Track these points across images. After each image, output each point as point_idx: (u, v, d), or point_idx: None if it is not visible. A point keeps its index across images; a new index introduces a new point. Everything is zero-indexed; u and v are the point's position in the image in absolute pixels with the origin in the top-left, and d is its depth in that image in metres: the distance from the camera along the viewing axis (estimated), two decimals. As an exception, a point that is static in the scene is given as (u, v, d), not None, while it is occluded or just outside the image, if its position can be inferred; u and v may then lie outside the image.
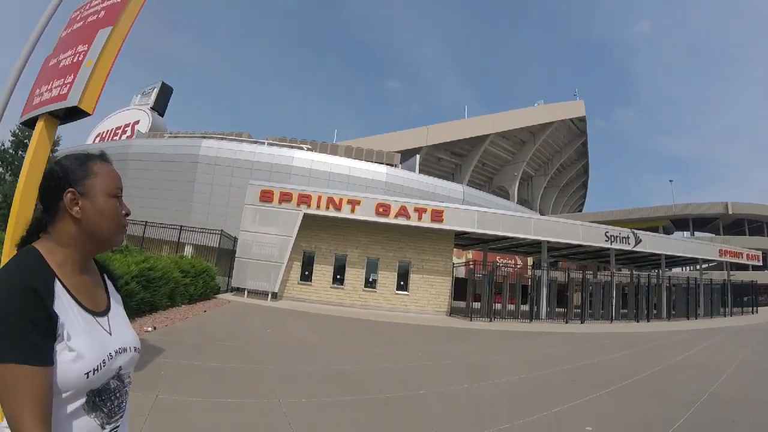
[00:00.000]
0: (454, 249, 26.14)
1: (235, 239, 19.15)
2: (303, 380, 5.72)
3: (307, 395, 4.95)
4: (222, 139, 30.63)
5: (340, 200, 17.33)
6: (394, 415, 4.56)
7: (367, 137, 40.69)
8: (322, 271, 18.30)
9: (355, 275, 18.18)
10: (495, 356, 9.43)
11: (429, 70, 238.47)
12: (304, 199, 17.55)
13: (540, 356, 9.59)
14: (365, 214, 17.21)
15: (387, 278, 18.17)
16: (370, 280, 18.26)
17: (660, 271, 25.77)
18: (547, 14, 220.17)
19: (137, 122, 44.85)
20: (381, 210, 17.12)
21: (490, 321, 16.95)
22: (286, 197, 17.77)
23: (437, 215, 17.19)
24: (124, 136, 43.63)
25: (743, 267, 33.27)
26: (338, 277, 18.32)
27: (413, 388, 5.65)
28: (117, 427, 0.99)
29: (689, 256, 25.27)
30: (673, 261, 28.95)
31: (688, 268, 33.02)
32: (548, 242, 19.58)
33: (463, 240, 21.54)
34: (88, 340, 0.92)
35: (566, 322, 18.50)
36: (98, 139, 47.49)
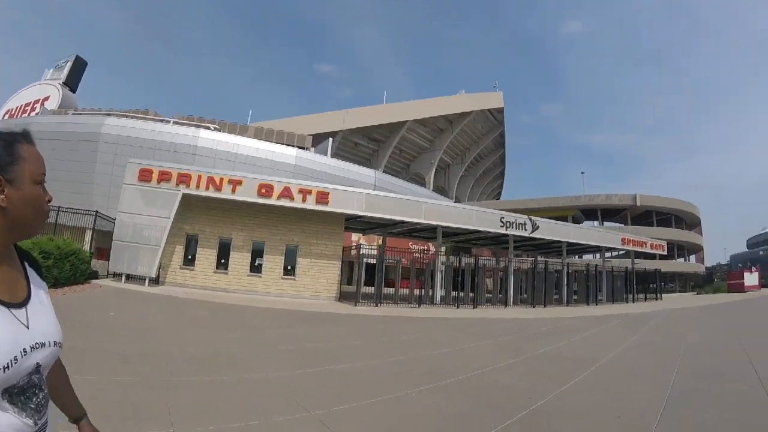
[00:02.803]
0: (363, 235, 25.98)
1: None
2: (100, 358, 5.50)
3: (92, 372, 4.73)
4: (126, 116, 28.71)
5: (221, 180, 16.46)
6: (158, 397, 4.27)
7: (282, 119, 39.54)
8: (206, 255, 17.41)
9: (239, 259, 17.41)
10: (346, 341, 8.99)
11: (363, 56, 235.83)
12: (183, 179, 16.54)
13: (397, 343, 9.24)
14: (247, 194, 16.44)
15: (273, 262, 17.53)
16: (256, 264, 17.56)
17: (562, 258, 26.62)
18: (484, 10, 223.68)
19: (47, 98, 41.59)
20: (263, 191, 16.40)
21: (376, 306, 16.74)
22: (165, 176, 16.68)
23: (323, 197, 16.68)
24: (33, 113, 40.44)
25: (651, 256, 35.22)
26: (222, 261, 17.50)
27: (216, 373, 5.36)
28: (46, 420, 0.97)
29: (591, 243, 26.22)
30: (580, 249, 30.10)
31: (596, 256, 34.41)
32: (444, 227, 19.59)
33: (360, 224, 21.23)
34: (1, 335, 0.85)
35: (457, 308, 18.63)
36: (7, 115, 43.87)
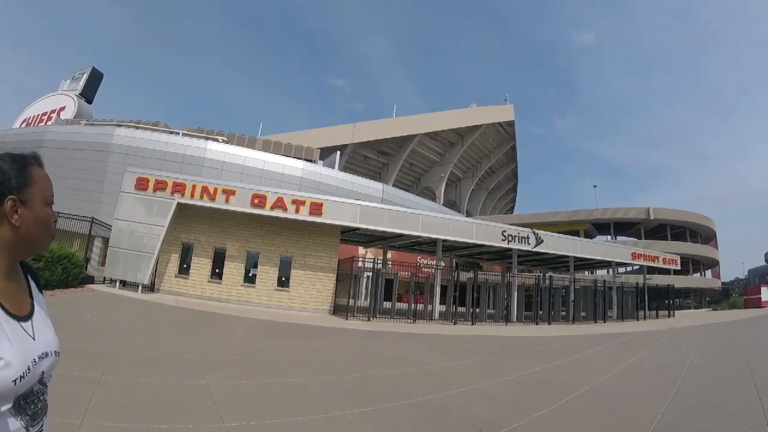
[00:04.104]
0: (367, 248, 25.66)
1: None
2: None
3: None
4: (136, 128, 29.20)
5: (215, 190, 16.43)
6: (81, 391, 4.17)
7: (291, 132, 39.72)
8: (200, 265, 17.32)
9: (234, 269, 17.27)
10: (315, 356, 8.59)
11: (374, 70, 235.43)
12: (178, 188, 16.57)
13: (370, 359, 8.82)
14: (240, 204, 16.36)
15: (267, 273, 17.32)
16: (250, 275, 17.39)
17: (570, 273, 25.83)
18: (493, 22, 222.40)
19: (63, 108, 42.62)
20: (256, 201, 16.30)
21: (369, 320, 16.34)
22: (160, 185, 16.75)
23: (316, 208, 16.48)
24: (49, 123, 41.53)
25: (664, 271, 33.97)
26: (217, 271, 17.38)
27: (155, 377, 5.30)
28: (41, 427, 0.99)
29: (599, 258, 25.44)
30: (590, 264, 29.25)
31: (610, 271, 33.40)
32: (443, 240, 19.17)
33: (359, 237, 20.93)
34: (15, 347, 0.89)
35: (455, 324, 18.08)
36: (24, 124, 45.23)
